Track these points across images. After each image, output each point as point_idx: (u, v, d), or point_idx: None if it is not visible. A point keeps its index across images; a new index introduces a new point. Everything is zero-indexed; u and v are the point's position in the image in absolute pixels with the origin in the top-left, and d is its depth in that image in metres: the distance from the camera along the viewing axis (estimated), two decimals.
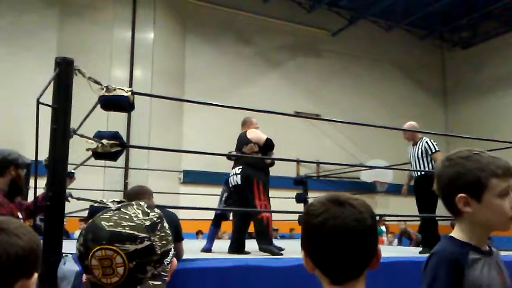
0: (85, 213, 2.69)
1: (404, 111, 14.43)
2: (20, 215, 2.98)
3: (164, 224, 0.97)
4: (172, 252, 0.98)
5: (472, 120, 14.59)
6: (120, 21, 11.09)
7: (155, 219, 0.95)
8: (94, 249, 0.89)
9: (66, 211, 2.48)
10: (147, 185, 3.44)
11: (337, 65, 14.30)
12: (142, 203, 0.99)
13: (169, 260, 0.96)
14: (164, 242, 0.95)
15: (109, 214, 0.94)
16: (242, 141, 4.60)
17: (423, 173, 5.04)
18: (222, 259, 3.02)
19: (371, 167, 11.88)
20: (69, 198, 2.71)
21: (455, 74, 16.13)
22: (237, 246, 4.33)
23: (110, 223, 0.92)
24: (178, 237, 2.96)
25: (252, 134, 4.60)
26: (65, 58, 2.45)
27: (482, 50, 15.13)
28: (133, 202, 0.99)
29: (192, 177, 11.24)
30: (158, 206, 2.92)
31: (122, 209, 0.95)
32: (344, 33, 14.11)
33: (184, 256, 3.05)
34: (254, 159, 4.46)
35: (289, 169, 11.47)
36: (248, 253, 4.17)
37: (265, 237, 4.22)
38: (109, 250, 0.89)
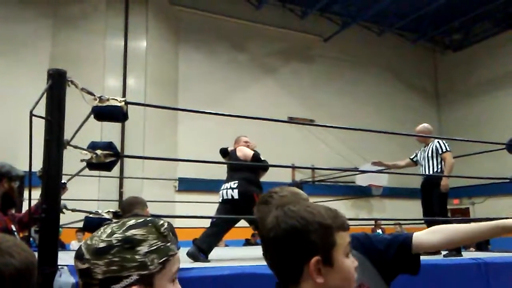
0: (80, 224, 2.68)
1: (397, 114, 14.52)
2: (13, 228, 2.97)
3: (134, 249, 0.91)
4: (132, 281, 0.90)
5: (465, 122, 14.67)
6: (113, 30, 11.10)
7: (114, 241, 0.91)
8: None
9: (61, 222, 2.47)
10: (142, 193, 3.44)
11: (330, 70, 14.36)
12: (132, 221, 0.96)
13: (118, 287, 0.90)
14: (114, 267, 0.89)
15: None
16: (234, 159, 4.71)
17: (431, 173, 5.09)
18: (219, 267, 3.01)
19: (366, 171, 11.89)
20: (64, 210, 2.70)
21: (447, 76, 16.24)
22: (208, 245, 4.23)
23: (90, 237, 0.95)
24: None
25: (240, 152, 4.72)
26: (57, 69, 2.44)
27: (473, 52, 15.24)
28: (127, 219, 0.97)
29: (187, 185, 11.21)
30: (154, 215, 2.93)
31: (106, 224, 0.96)
32: (337, 38, 14.18)
33: (180, 265, 3.05)
34: (251, 176, 4.53)
35: (284, 175, 11.47)
36: (208, 261, 4.05)
37: None
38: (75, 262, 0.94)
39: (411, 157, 5.58)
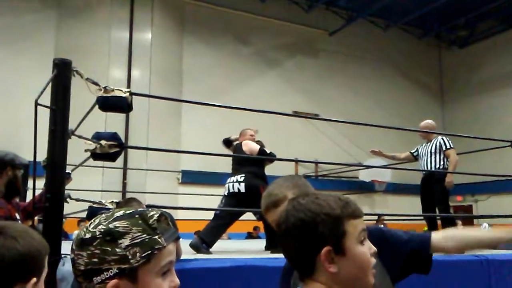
0: (84, 214, 2.69)
1: (401, 110, 14.47)
2: (18, 216, 2.98)
3: (116, 241, 0.89)
4: (111, 274, 0.89)
5: (469, 119, 14.62)
6: (118, 21, 11.08)
7: (97, 233, 0.90)
8: None
9: (65, 212, 2.48)
10: (145, 185, 3.44)
11: (335, 65, 14.31)
12: (122, 211, 0.94)
13: (99, 280, 0.89)
14: (95, 260, 0.89)
15: None
16: (239, 152, 4.70)
17: (433, 169, 5.10)
18: (221, 259, 3.02)
19: (369, 167, 11.89)
20: (68, 199, 2.71)
21: (452, 73, 16.16)
22: (211, 237, 4.25)
23: (83, 227, 0.95)
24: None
25: (245, 146, 4.71)
26: (63, 59, 2.45)
27: (479, 49, 15.16)
28: (118, 209, 0.96)
29: (190, 177, 11.23)
30: (156, 206, 2.94)
31: (100, 214, 0.96)
32: (342, 32, 14.12)
33: (182, 256, 3.06)
34: (256, 169, 4.54)
35: (288, 169, 11.47)
36: (210, 253, 4.06)
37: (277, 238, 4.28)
38: None
39: (412, 152, 5.57)
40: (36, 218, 3.53)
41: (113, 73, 10.77)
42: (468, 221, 13.48)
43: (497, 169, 7.60)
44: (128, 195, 8.51)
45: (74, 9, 10.96)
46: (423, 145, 5.41)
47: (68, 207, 2.70)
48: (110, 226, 0.90)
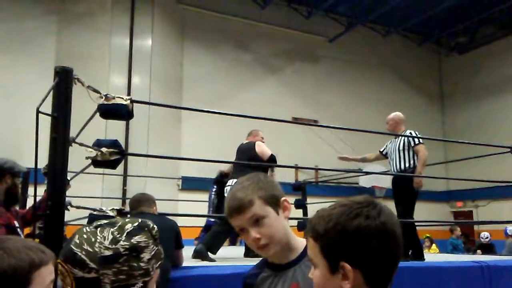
0: (84, 221, 2.69)
1: None
2: (16, 224, 2.97)
3: (139, 256, 0.89)
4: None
5: (469, 125, 14.63)
6: (118, 28, 11.12)
7: (121, 249, 0.88)
8: (58, 260, 0.90)
9: (65, 219, 2.48)
10: (145, 192, 3.44)
11: (335, 71, 14.34)
12: (129, 225, 0.92)
13: None
14: (122, 277, 0.87)
15: (87, 230, 0.92)
16: (250, 151, 4.64)
17: (403, 168, 4.71)
18: (222, 266, 3.02)
19: (369, 173, 11.87)
20: (69, 207, 2.71)
21: (452, 79, 16.19)
22: (215, 243, 4.26)
23: (77, 241, 0.90)
24: (178, 244, 2.97)
25: (258, 147, 4.66)
26: (64, 67, 2.45)
27: (478, 55, 15.20)
28: (122, 222, 0.94)
29: (190, 184, 11.22)
30: (161, 214, 2.93)
31: (100, 228, 0.92)
32: (342, 39, 14.16)
33: (184, 264, 3.06)
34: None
35: (288, 175, 11.47)
36: (214, 260, 4.05)
37: None
38: (62, 268, 0.89)
39: (381, 150, 5.23)
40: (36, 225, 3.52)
41: (113, 79, 10.80)
42: (468, 226, 13.48)
43: (498, 175, 7.61)
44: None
45: (75, 16, 11.00)
46: (391, 140, 5.03)
47: (69, 214, 2.70)
48: (133, 241, 0.90)
